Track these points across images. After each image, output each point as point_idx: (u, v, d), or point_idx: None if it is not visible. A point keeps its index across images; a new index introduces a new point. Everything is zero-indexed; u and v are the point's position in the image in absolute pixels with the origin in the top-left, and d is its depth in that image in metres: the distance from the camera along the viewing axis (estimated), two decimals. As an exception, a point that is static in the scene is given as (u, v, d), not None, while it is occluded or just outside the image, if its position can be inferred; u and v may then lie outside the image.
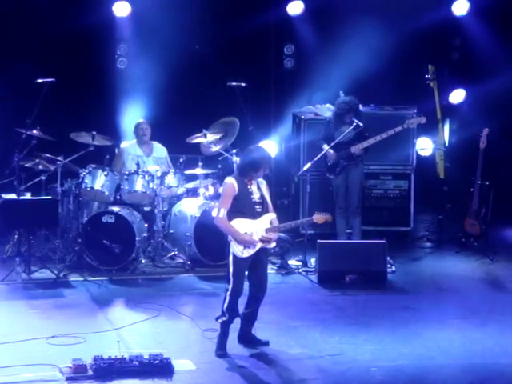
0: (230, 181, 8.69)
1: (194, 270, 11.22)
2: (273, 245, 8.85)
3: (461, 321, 9.67)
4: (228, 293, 8.61)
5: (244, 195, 8.66)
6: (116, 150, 12.13)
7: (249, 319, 8.82)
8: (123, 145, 12.19)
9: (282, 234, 11.67)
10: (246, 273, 8.72)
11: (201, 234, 11.23)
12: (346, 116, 11.56)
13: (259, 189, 8.75)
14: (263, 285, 8.76)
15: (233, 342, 8.82)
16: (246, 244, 8.58)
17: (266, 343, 8.84)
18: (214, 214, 11.00)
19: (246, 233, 8.60)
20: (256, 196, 8.70)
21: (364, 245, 11.17)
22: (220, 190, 9.26)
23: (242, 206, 8.63)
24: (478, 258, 11.99)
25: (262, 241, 8.62)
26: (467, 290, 10.73)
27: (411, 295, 10.54)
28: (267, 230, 8.68)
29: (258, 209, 8.70)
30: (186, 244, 11.34)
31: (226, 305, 8.62)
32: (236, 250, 8.60)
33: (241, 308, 8.76)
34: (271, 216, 8.78)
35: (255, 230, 8.65)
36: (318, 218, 9.00)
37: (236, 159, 11.63)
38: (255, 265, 8.69)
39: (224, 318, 8.64)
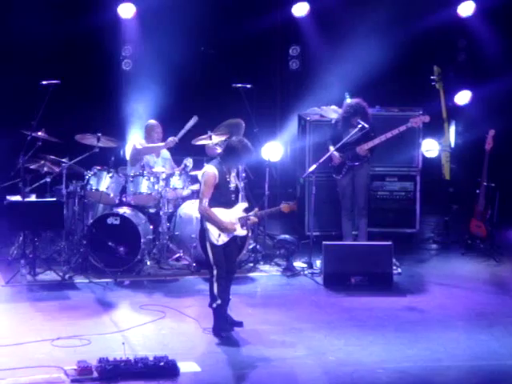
0: (212, 170, 9.07)
1: (199, 272, 11.19)
2: (244, 232, 9.25)
3: (467, 322, 9.64)
4: (214, 278, 9.05)
5: (223, 184, 9.07)
6: (129, 146, 12.07)
7: None
8: (142, 141, 12.03)
9: (287, 236, 11.71)
10: None
11: (206, 236, 11.21)
12: (352, 119, 11.54)
13: (235, 178, 9.28)
14: (233, 268, 9.27)
15: (239, 343, 8.81)
16: (227, 232, 9.00)
17: (240, 324, 9.21)
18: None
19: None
20: (232, 185, 9.23)
21: (370, 246, 11.14)
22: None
23: (220, 195, 9.06)
24: (484, 259, 11.95)
25: (242, 225, 9.13)
26: (473, 292, 10.70)
27: (417, 297, 10.51)
28: (240, 219, 9.11)
29: (233, 197, 9.27)
30: (191, 246, 11.32)
31: (216, 290, 9.03)
32: (212, 237, 9.02)
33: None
34: (244, 205, 9.27)
35: (229, 219, 9.06)
36: (285, 207, 9.48)
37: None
38: (227, 250, 9.13)
39: (218, 302, 9.03)
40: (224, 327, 9.08)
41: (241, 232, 9.20)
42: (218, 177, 9.04)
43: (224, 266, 9.10)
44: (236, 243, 9.33)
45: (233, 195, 9.24)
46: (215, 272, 9.05)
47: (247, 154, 9.18)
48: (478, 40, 13.88)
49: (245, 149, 9.13)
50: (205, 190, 9.06)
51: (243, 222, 9.19)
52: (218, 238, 9.04)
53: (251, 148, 9.25)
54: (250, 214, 9.26)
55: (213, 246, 9.07)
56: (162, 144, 11.69)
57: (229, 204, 9.14)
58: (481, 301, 10.37)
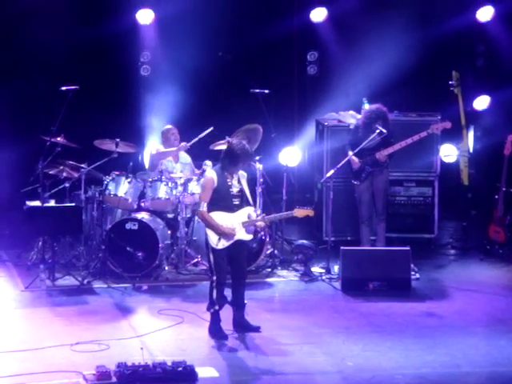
0: (210, 174, 9.14)
1: (217, 277, 11.19)
2: (249, 237, 9.19)
3: (486, 328, 9.61)
4: (214, 284, 9.07)
5: (223, 188, 9.07)
6: (147, 152, 12.14)
7: (238, 306, 9.23)
8: (159, 146, 12.09)
9: (305, 241, 11.70)
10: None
11: (224, 241, 11.22)
12: (373, 124, 11.51)
13: (239, 182, 9.17)
14: (243, 273, 9.26)
15: (257, 349, 8.81)
16: (226, 237, 9.00)
17: (257, 329, 9.21)
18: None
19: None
20: (235, 189, 9.15)
21: (388, 252, 11.10)
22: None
23: (220, 199, 9.06)
24: (503, 265, 11.90)
25: (247, 229, 9.10)
26: (492, 298, 10.65)
27: (435, 302, 10.48)
28: (244, 223, 9.08)
29: (236, 202, 9.15)
30: (209, 251, 11.32)
31: (215, 295, 9.06)
32: (211, 242, 9.05)
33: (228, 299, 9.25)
34: (249, 210, 9.19)
35: (231, 223, 9.06)
36: (299, 211, 9.42)
37: (259, 166, 11.64)
38: (234, 255, 9.14)
39: (216, 307, 9.09)
40: (220, 331, 9.08)
41: (244, 236, 9.16)
42: (217, 180, 9.07)
43: (224, 272, 9.10)
44: (243, 247, 9.25)
45: (235, 200, 9.14)
46: (214, 278, 9.08)
47: (246, 157, 9.15)
48: (497, 45, 13.82)
49: (243, 152, 9.09)
50: (202, 194, 9.21)
51: (248, 226, 9.17)
52: (217, 242, 9.06)
53: (250, 151, 9.24)
54: (256, 218, 9.21)
55: (213, 250, 9.09)
56: (174, 149, 11.74)
57: (230, 208, 9.10)
58: (500, 306, 10.32)
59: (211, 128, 11.57)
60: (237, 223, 9.11)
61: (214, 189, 9.08)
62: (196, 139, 11.65)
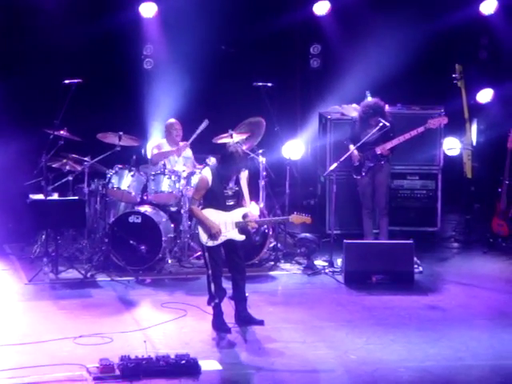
0: (206, 174, 9.18)
1: (220, 270, 11.21)
2: (241, 237, 9.18)
3: (489, 321, 9.61)
4: (210, 278, 9.12)
5: (217, 189, 9.13)
6: (150, 146, 12.15)
7: (239, 300, 9.25)
8: (161, 141, 12.11)
9: (308, 234, 11.71)
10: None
11: (227, 234, 11.23)
12: (370, 119, 11.52)
13: (237, 183, 9.19)
14: (240, 269, 9.25)
15: (260, 342, 8.82)
16: (213, 233, 9.04)
17: (261, 322, 9.21)
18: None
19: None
20: (230, 191, 9.19)
21: (391, 245, 11.11)
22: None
23: (213, 198, 9.13)
24: (506, 258, 11.91)
25: (240, 229, 9.11)
26: (495, 291, 10.66)
27: (438, 295, 10.49)
28: (237, 224, 9.11)
29: (230, 202, 9.19)
30: (212, 244, 11.32)
31: (213, 288, 9.10)
32: (201, 239, 9.12)
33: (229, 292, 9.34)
34: (244, 210, 9.21)
35: (224, 222, 9.11)
36: (295, 218, 9.41)
37: (262, 159, 11.64)
38: (229, 251, 9.22)
39: (216, 301, 9.12)
40: (223, 324, 9.11)
41: (236, 236, 9.18)
42: (212, 181, 9.11)
43: (219, 265, 9.15)
44: (238, 243, 9.24)
45: (229, 201, 9.16)
46: (210, 272, 9.13)
47: (238, 165, 9.14)
48: (500, 38, 13.80)
49: (236, 160, 9.09)
50: (195, 192, 9.35)
51: (241, 226, 9.17)
52: (207, 240, 9.12)
53: (243, 159, 9.19)
54: (247, 219, 9.19)
55: (206, 246, 9.15)
56: (174, 149, 11.72)
57: (223, 208, 9.14)
58: (503, 299, 10.33)
59: (206, 121, 11.54)
60: (230, 222, 9.15)
61: (208, 189, 9.13)
62: (194, 135, 11.63)
